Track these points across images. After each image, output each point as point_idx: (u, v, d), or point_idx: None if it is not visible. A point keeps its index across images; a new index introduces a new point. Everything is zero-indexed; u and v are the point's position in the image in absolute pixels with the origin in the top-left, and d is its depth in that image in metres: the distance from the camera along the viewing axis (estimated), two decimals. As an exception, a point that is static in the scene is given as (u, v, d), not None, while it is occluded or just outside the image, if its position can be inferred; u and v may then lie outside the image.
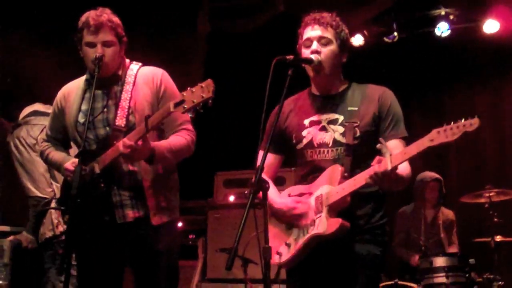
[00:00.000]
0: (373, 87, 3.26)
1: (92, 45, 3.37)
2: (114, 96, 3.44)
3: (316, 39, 3.16)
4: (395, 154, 2.79)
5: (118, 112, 3.37)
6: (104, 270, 3.43)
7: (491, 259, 5.62)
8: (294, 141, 3.26)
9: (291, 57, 3.01)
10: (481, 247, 5.82)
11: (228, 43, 7.49)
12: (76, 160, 3.36)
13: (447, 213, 6.49)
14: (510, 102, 7.35)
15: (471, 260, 5.41)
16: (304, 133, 3.23)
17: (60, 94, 3.65)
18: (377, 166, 2.79)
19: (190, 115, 3.05)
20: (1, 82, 5.50)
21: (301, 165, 3.27)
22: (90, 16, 3.38)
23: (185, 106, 2.91)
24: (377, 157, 2.82)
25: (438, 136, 2.66)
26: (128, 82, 3.44)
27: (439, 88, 7.73)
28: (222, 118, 6.91)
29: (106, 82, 3.45)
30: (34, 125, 4.73)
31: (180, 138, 3.41)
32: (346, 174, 3.01)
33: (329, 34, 3.16)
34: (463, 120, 2.63)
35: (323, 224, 2.98)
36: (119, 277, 3.49)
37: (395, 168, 2.78)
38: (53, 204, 4.58)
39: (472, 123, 2.62)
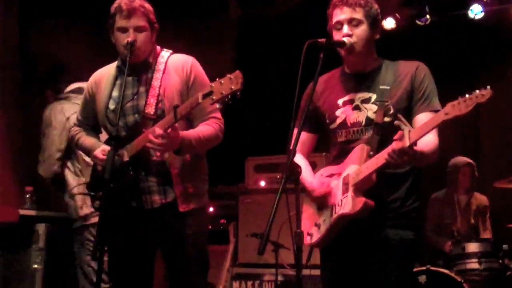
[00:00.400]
0: (405, 63, 3.22)
1: (124, 30, 3.38)
2: (145, 83, 3.46)
3: (346, 21, 3.13)
4: (414, 130, 2.74)
5: (148, 99, 3.39)
6: (134, 256, 3.47)
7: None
8: (328, 121, 3.25)
9: (323, 40, 2.98)
10: (515, 233, 5.74)
11: (259, 27, 7.47)
12: (106, 147, 3.41)
13: (481, 199, 6.41)
14: (546, 84, 7.21)
15: (505, 246, 5.36)
16: (337, 112, 3.21)
17: (91, 79, 3.68)
18: (395, 143, 2.75)
19: (218, 106, 3.04)
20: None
21: (334, 145, 3.27)
22: (122, 1, 3.39)
23: (214, 97, 2.92)
24: (398, 132, 2.76)
25: (452, 109, 2.60)
26: (159, 69, 3.46)
27: (473, 71, 7.61)
28: (253, 103, 6.89)
29: (137, 69, 3.47)
30: (73, 104, 4.75)
31: (208, 127, 3.43)
32: (372, 153, 2.98)
33: (358, 14, 3.12)
34: (476, 91, 2.55)
35: (349, 204, 2.96)
36: (149, 263, 3.53)
37: (414, 143, 2.72)
38: None
39: (484, 94, 2.53)
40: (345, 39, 3.11)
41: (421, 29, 7.17)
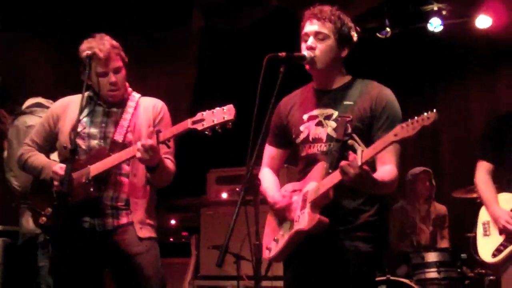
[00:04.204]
0: (373, 84, 3.22)
1: (105, 74, 3.52)
2: (115, 115, 3.59)
3: (312, 34, 3.15)
4: (366, 150, 2.74)
5: (117, 128, 3.53)
6: (81, 275, 3.46)
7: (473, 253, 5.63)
8: (293, 136, 3.27)
9: (283, 54, 3.00)
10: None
11: (221, 39, 7.48)
12: (63, 165, 3.42)
13: (440, 208, 6.51)
14: (502, 97, 7.37)
15: (463, 255, 5.44)
16: (302, 127, 3.23)
17: (58, 104, 3.75)
18: (347, 161, 2.76)
19: (206, 133, 3.14)
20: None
21: (300, 160, 3.29)
22: (95, 46, 3.49)
23: (205, 123, 3.08)
24: (350, 153, 2.78)
25: (401, 131, 2.64)
26: (130, 105, 3.62)
27: (432, 83, 7.74)
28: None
29: (110, 102, 3.61)
30: (38, 117, 4.69)
31: (171, 163, 3.58)
32: (330, 170, 2.98)
33: (326, 29, 3.13)
34: (424, 114, 2.59)
35: (304, 220, 2.98)
36: (98, 282, 3.56)
37: (364, 163, 2.72)
38: None
39: (429, 117, 2.57)
40: (306, 53, 3.13)
41: (382, 42, 7.26)
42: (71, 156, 3.30)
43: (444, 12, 6.98)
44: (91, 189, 3.40)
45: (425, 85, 7.73)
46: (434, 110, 2.58)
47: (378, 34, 7.21)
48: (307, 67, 3.19)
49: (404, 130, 2.63)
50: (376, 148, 2.74)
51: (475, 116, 7.49)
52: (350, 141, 2.80)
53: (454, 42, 7.24)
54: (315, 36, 3.14)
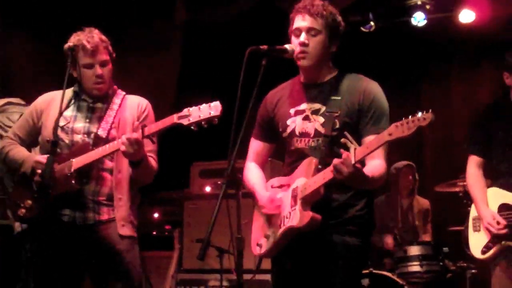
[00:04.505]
0: (361, 78, 3.23)
1: (91, 66, 3.53)
2: (99, 110, 3.60)
3: (305, 30, 3.14)
4: (359, 148, 2.78)
5: (102, 124, 3.54)
6: (61, 271, 3.45)
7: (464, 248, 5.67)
8: (280, 129, 3.27)
9: (265, 47, 2.99)
10: (455, 235, 5.86)
11: (205, 32, 7.45)
12: (47, 156, 3.39)
13: (423, 202, 6.55)
14: (484, 92, 7.40)
15: (445, 249, 5.49)
16: (289, 121, 3.23)
17: (41, 98, 3.75)
18: (340, 160, 2.77)
19: (192, 128, 3.17)
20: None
21: (287, 153, 3.29)
22: (83, 38, 3.51)
23: (191, 119, 3.12)
24: (342, 151, 2.80)
25: (396, 130, 2.66)
26: (115, 102, 3.66)
27: (416, 77, 7.76)
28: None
29: (95, 97, 3.62)
30: (12, 112, 4.70)
31: (154, 161, 3.60)
32: (320, 166, 3.00)
33: (318, 25, 3.13)
34: (419, 114, 2.61)
35: (296, 217, 2.98)
36: (76, 282, 3.56)
37: (358, 161, 2.76)
38: None
39: (425, 118, 2.60)
40: (288, 46, 3.13)
41: (366, 35, 7.27)
42: (52, 148, 3.29)
43: (427, 7, 6.98)
44: (73, 182, 3.40)
45: (409, 79, 7.75)
46: (430, 111, 2.60)
47: (362, 28, 7.21)
48: (298, 62, 3.19)
49: (399, 129, 2.64)
50: (370, 147, 2.77)
51: (458, 110, 7.53)
52: (343, 140, 2.81)
53: (438, 37, 7.25)
54: (307, 32, 3.14)
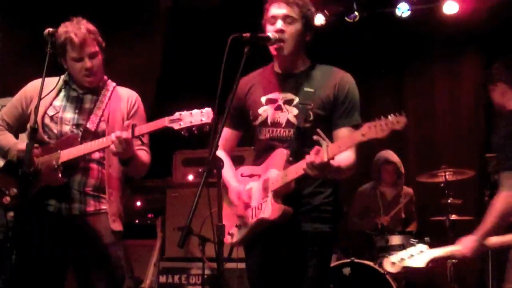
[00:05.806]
0: (334, 70, 3.24)
1: (79, 59, 3.48)
2: (89, 102, 3.57)
3: (281, 17, 3.14)
4: (331, 146, 2.79)
5: (91, 117, 3.51)
6: (44, 262, 3.41)
7: (446, 238, 5.72)
8: (251, 118, 3.27)
9: (248, 35, 2.97)
10: (436, 225, 5.92)
11: (189, 20, 7.41)
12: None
13: (407, 191, 6.56)
14: (467, 83, 7.44)
15: (426, 239, 5.50)
16: (260, 110, 3.23)
17: (31, 84, 3.68)
18: (313, 157, 2.79)
19: (182, 133, 3.14)
20: None
21: (257, 141, 3.30)
22: (70, 31, 3.44)
23: (182, 124, 3.08)
24: (315, 147, 2.81)
25: (369, 131, 2.67)
26: (105, 94, 3.60)
27: (399, 68, 7.78)
28: (182, 96, 6.84)
29: (85, 88, 3.58)
30: None
31: (147, 154, 3.59)
32: (291, 158, 3.02)
33: (294, 13, 3.14)
34: (391, 116, 2.62)
35: (268, 209, 3.02)
36: (60, 273, 3.51)
37: (331, 159, 2.78)
38: None
39: (399, 121, 2.61)
40: (270, 34, 3.12)
41: (350, 26, 7.26)
42: (32, 135, 3.26)
43: (412, -3, 7.00)
44: (60, 175, 3.38)
45: (392, 70, 7.76)
46: (403, 114, 2.61)
47: (346, 18, 7.20)
48: (273, 51, 3.18)
49: (372, 131, 2.65)
50: (342, 146, 2.78)
51: (440, 101, 7.56)
52: (315, 137, 2.82)
53: (421, 27, 7.27)
54: (284, 19, 3.14)
